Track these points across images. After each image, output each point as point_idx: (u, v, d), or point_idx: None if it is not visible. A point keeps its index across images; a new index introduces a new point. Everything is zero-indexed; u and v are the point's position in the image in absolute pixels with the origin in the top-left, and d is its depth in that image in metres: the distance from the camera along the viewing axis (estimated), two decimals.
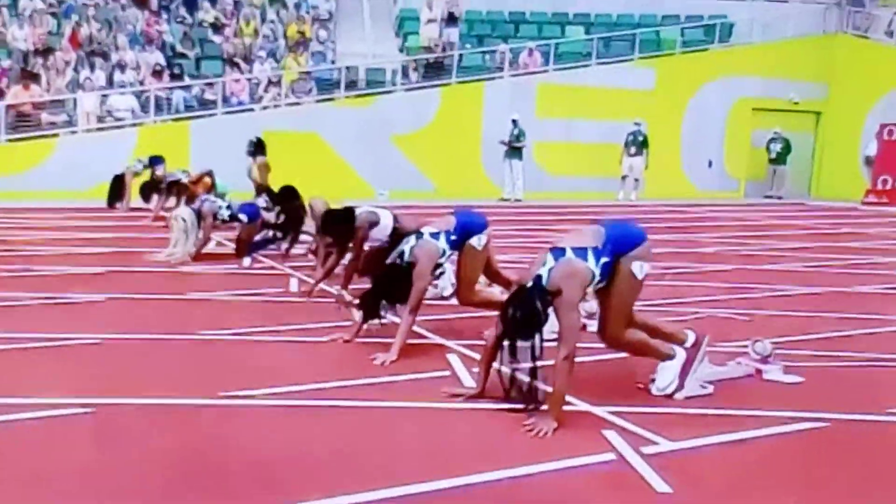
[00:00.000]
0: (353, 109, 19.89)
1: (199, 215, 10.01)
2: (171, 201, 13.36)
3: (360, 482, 3.87)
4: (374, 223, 7.67)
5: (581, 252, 4.96)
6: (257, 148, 14.20)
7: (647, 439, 4.52)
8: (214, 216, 10.06)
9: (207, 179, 13.46)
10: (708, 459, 4.38)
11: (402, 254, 6.30)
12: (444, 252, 6.40)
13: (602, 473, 4.15)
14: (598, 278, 5.01)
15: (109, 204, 15.02)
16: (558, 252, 4.95)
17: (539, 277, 4.84)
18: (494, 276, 6.91)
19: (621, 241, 5.11)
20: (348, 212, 7.70)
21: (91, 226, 12.88)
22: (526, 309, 4.72)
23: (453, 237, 6.43)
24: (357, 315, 6.43)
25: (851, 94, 23.55)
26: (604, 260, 5.00)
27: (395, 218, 7.81)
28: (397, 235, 7.27)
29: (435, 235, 6.38)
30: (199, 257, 9.92)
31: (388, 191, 17.39)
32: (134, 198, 14.90)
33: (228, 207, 10.23)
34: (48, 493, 3.75)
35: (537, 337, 4.73)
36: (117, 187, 15.05)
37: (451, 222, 6.52)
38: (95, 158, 16.71)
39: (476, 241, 6.49)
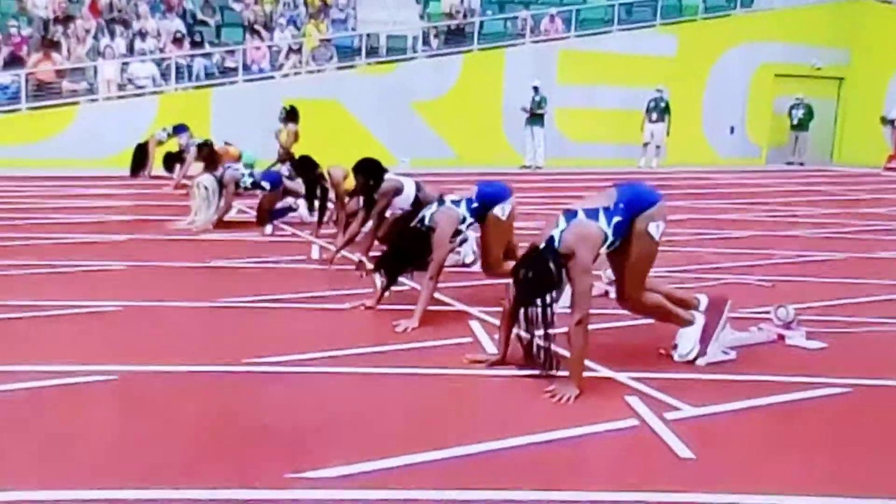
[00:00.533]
0: (374, 76, 19.80)
1: (221, 183, 10.04)
2: (193, 169, 13.34)
3: (381, 448, 3.90)
4: (398, 191, 7.63)
5: (592, 213, 4.94)
6: (290, 115, 14.30)
7: (670, 405, 4.53)
8: (236, 184, 10.09)
9: (233, 150, 13.47)
10: (730, 425, 4.39)
11: (422, 219, 6.31)
12: (464, 218, 6.40)
13: (625, 439, 4.16)
14: (610, 238, 4.99)
15: (132, 172, 15.01)
16: (570, 215, 4.94)
17: (552, 239, 4.83)
18: (510, 253, 6.70)
19: (635, 201, 5.07)
20: (381, 168, 7.67)
21: (113, 193, 12.93)
22: (539, 269, 4.71)
23: (475, 205, 6.43)
24: (379, 282, 6.44)
25: (874, 60, 23.25)
26: (616, 219, 4.97)
27: (419, 187, 7.76)
28: (419, 205, 7.25)
29: (456, 202, 6.39)
30: (220, 225, 9.96)
31: (410, 158, 17.32)
32: (157, 166, 14.93)
33: (251, 175, 10.26)
34: (72, 459, 3.79)
35: (549, 298, 4.72)
36: (140, 156, 15.05)
37: (473, 191, 6.52)
38: (116, 126, 16.72)
39: (500, 211, 6.47)
